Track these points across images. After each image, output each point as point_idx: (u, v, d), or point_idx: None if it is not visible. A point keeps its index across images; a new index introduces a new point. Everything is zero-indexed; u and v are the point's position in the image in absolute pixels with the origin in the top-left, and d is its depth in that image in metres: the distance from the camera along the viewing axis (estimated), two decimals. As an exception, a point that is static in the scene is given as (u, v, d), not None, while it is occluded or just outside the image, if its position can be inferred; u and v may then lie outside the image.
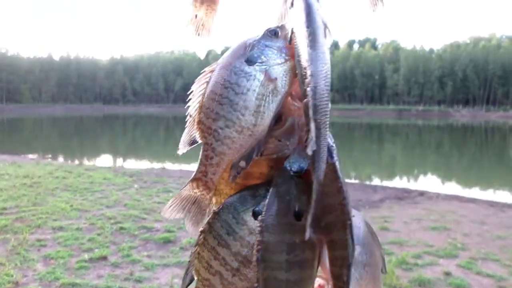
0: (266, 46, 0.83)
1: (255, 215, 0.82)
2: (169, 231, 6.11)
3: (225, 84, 0.83)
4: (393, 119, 69.47)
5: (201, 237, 0.88)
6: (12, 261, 4.82)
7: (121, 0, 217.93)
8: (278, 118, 0.83)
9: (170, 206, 0.90)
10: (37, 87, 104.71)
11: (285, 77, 0.81)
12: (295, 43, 0.78)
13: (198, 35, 0.92)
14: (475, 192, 11.52)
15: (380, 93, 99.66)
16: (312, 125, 0.73)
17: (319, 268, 0.84)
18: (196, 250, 0.87)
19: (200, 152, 0.88)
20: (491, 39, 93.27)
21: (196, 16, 0.92)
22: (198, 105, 0.86)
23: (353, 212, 0.90)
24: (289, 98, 0.83)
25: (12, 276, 4.41)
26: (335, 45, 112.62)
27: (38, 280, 4.40)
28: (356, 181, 12.86)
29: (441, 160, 21.17)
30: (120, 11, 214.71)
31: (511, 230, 6.78)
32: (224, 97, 0.82)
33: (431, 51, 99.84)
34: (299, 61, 0.76)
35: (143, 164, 16.42)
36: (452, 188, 12.36)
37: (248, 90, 0.82)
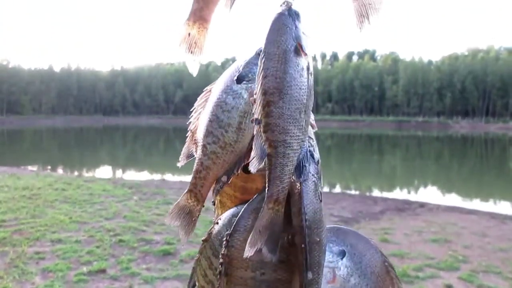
0: (254, 64, 0.86)
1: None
2: (168, 244, 6.08)
3: (216, 102, 0.89)
4: (393, 130, 69.58)
5: (202, 245, 0.94)
6: (11, 274, 4.78)
7: (122, 13, 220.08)
8: None
9: (170, 213, 0.96)
10: (38, 99, 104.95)
11: None
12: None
13: (191, 53, 0.95)
14: (475, 204, 11.49)
15: (380, 105, 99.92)
16: (256, 143, 0.79)
17: None
18: (197, 257, 0.94)
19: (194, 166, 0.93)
20: (489, 51, 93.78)
21: (189, 34, 0.94)
22: (196, 121, 0.92)
23: (361, 239, 0.91)
24: None
25: (10, 289, 4.37)
26: (334, 57, 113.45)
27: (36, 294, 4.36)
28: (357, 193, 12.84)
29: (442, 172, 21.15)
30: (121, 23, 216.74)
31: (513, 242, 6.75)
32: (213, 114, 0.89)
33: (430, 62, 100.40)
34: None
35: (143, 176, 16.39)
36: (453, 199, 12.32)
37: (233, 108, 0.88)
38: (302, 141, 0.81)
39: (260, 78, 0.78)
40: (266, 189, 0.80)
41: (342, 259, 0.92)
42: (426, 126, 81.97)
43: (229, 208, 0.97)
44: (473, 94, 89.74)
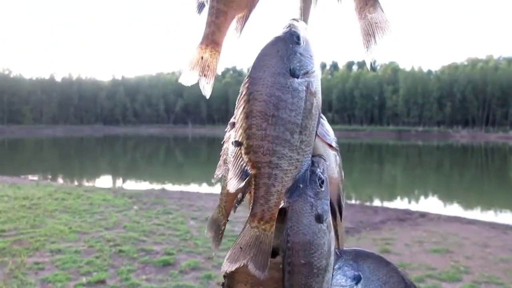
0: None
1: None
2: (168, 254, 6.05)
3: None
4: (393, 140, 69.57)
5: None
6: (10, 284, 4.76)
7: (123, 22, 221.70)
8: None
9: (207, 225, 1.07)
10: (39, 108, 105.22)
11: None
12: None
13: (204, 76, 0.97)
14: (476, 214, 11.45)
15: (380, 114, 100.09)
16: (234, 163, 0.81)
17: None
18: None
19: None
20: (488, 61, 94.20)
21: (202, 58, 0.96)
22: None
23: (384, 264, 0.91)
24: None
25: (8, 300, 4.35)
26: (334, 66, 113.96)
27: (35, 305, 4.33)
28: (357, 202, 12.80)
29: (442, 181, 21.11)
30: (122, 33, 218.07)
31: (514, 252, 6.71)
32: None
33: (429, 72, 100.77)
34: None
35: (143, 185, 16.36)
36: (453, 209, 12.29)
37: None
38: (298, 161, 0.82)
39: (242, 102, 0.80)
40: (251, 208, 0.81)
41: (356, 284, 0.88)
42: (426, 135, 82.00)
43: None
44: (473, 104, 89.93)
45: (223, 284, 0.89)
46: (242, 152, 0.80)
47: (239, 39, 0.98)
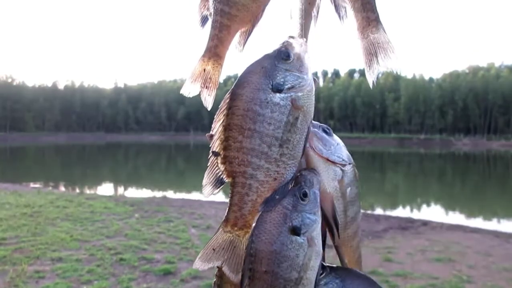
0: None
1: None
2: (169, 262, 6.03)
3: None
4: (395, 148, 69.44)
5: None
6: (10, 293, 4.74)
7: (125, 30, 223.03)
8: None
9: None
10: (41, 116, 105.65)
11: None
12: None
13: (206, 87, 0.98)
14: (479, 222, 11.38)
15: (382, 122, 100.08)
16: (210, 171, 0.88)
17: None
18: None
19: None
20: (490, 69, 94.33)
21: (204, 70, 0.98)
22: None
23: (364, 285, 0.92)
24: None
25: (9, 309, 4.33)
26: (336, 74, 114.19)
27: (35, 314, 4.31)
28: (359, 211, 12.73)
29: (444, 189, 21.02)
30: (125, 41, 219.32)
31: (518, 261, 6.66)
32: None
33: (431, 80, 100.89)
34: None
35: (145, 193, 16.35)
36: (456, 218, 12.22)
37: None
38: (278, 173, 0.85)
39: (221, 116, 0.86)
40: (225, 213, 0.87)
41: None
42: (428, 143, 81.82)
43: None
44: (474, 112, 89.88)
45: (214, 283, 0.94)
46: (219, 162, 0.86)
47: (242, 53, 0.99)
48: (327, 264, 0.92)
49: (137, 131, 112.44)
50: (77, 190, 16.94)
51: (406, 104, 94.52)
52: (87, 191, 16.75)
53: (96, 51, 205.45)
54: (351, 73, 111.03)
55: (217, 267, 0.89)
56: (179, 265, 5.94)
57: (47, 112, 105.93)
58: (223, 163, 0.86)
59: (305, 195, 0.85)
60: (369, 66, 0.90)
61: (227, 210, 0.87)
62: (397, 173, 30.04)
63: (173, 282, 5.32)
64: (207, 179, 0.87)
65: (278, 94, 0.85)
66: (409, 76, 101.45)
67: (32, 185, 17.54)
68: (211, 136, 0.87)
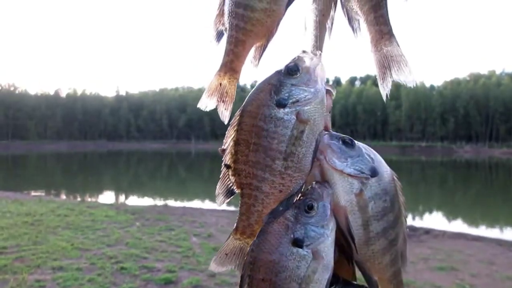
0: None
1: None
2: (170, 271, 6.01)
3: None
4: (397, 155, 69.32)
5: None
6: (10, 302, 4.72)
7: (127, 38, 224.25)
8: None
9: None
10: (43, 124, 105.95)
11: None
12: None
13: (222, 102, 1.00)
14: (481, 230, 11.33)
15: (383, 129, 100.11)
16: (222, 182, 0.93)
17: None
18: None
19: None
20: (491, 76, 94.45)
21: (220, 84, 1.00)
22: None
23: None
24: None
25: (9, 319, 4.31)
26: (337, 82, 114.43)
27: (35, 323, 4.28)
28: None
29: (446, 197, 20.95)
30: (126, 49, 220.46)
31: (521, 270, 6.62)
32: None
33: (432, 87, 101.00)
34: None
35: (146, 201, 16.34)
36: (458, 226, 12.17)
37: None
38: (283, 185, 0.87)
39: (232, 132, 0.91)
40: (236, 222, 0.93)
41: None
42: (429, 151, 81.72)
43: None
44: (476, 119, 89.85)
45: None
46: (230, 173, 0.91)
47: (257, 67, 1.01)
48: (344, 278, 0.92)
49: (138, 139, 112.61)
50: (79, 199, 16.94)
51: (407, 111, 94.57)
52: (88, 199, 16.75)
53: (98, 59, 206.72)
54: (352, 80, 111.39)
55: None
56: (180, 274, 5.91)
57: (49, 120, 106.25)
58: (233, 175, 0.91)
59: (310, 207, 0.85)
60: (382, 79, 0.91)
61: (237, 219, 0.92)
62: (398, 181, 29.89)
63: (174, 291, 5.30)
64: (219, 189, 0.93)
65: (282, 109, 0.87)
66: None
67: (33, 193, 17.55)
68: (223, 150, 0.92)
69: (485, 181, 30.84)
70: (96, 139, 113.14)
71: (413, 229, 10.23)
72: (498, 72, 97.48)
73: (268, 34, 0.98)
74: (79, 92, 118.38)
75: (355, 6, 0.94)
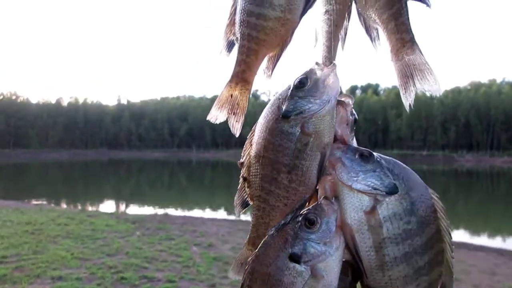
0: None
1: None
2: (170, 281, 5.98)
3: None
4: (398, 164, 69.13)
5: None
6: (9, 313, 4.69)
7: (128, 47, 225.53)
8: None
9: None
10: (44, 132, 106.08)
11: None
12: None
13: (233, 114, 0.98)
14: (483, 240, 11.28)
15: (384, 138, 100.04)
16: (239, 194, 0.98)
17: None
18: None
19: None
20: (491, 85, 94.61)
21: (231, 95, 0.98)
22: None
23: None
24: None
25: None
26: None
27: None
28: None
29: (448, 207, 20.41)
30: (128, 58, 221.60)
31: (523, 280, 6.58)
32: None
33: (433, 96, 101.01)
34: None
35: (146, 210, 16.30)
36: (460, 235, 12.10)
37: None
38: (288, 199, 0.87)
39: (248, 146, 0.94)
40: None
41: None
42: (430, 159, 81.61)
43: None
44: (477, 128, 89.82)
45: None
46: (246, 185, 0.93)
47: (270, 78, 0.99)
48: None
49: (139, 148, 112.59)
50: (79, 207, 16.92)
51: (408, 120, 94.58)
52: (89, 208, 16.72)
53: (100, 68, 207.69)
54: (353, 89, 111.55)
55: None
56: (180, 284, 5.88)
57: (51, 128, 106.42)
58: (248, 187, 0.93)
59: (311, 222, 0.82)
60: (404, 89, 0.87)
61: (249, 230, 0.96)
62: (400, 189, 29.74)
63: (174, 301, 5.26)
64: (236, 200, 0.96)
65: (286, 122, 0.87)
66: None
67: (34, 202, 17.53)
68: (242, 164, 0.94)
69: (487, 191, 30.73)
70: (97, 147, 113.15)
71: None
72: (498, 80, 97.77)
73: (282, 43, 0.95)
74: (80, 101, 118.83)
75: (373, 15, 0.90)
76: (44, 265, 6.56)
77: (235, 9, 0.97)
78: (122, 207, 18.81)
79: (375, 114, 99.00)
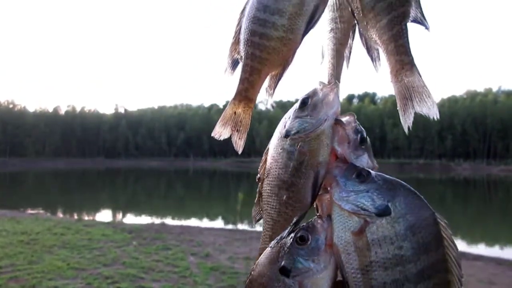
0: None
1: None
2: (167, 292, 5.93)
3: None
4: (395, 173, 69.15)
5: None
6: (3, 324, 4.64)
7: (126, 56, 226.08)
8: None
9: None
10: (41, 141, 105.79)
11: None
12: None
13: (237, 131, 1.01)
14: (481, 249, 11.26)
15: (381, 147, 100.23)
16: (256, 207, 1.04)
17: None
18: None
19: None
20: (487, 94, 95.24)
21: (234, 113, 1.01)
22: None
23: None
24: None
25: None
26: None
27: None
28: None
29: (445, 215, 20.69)
30: (125, 67, 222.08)
31: (521, 290, 6.56)
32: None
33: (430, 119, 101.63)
34: None
35: (143, 220, 16.21)
36: (457, 245, 12.06)
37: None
38: (287, 214, 0.92)
39: (263, 161, 0.99)
40: None
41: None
42: (427, 168, 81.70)
43: None
44: (473, 137, 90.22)
45: None
46: (260, 200, 1.00)
47: (272, 97, 1.01)
48: None
49: (137, 157, 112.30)
50: (75, 217, 16.81)
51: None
52: (85, 218, 16.61)
53: (97, 76, 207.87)
54: (350, 98, 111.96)
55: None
56: (177, 294, 5.83)
57: (48, 137, 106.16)
58: (261, 201, 0.99)
59: (302, 239, 0.84)
60: (403, 110, 0.89)
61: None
62: (397, 198, 29.73)
63: (170, 312, 5.22)
64: (253, 212, 1.02)
65: (287, 140, 0.92)
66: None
67: (30, 211, 17.41)
68: (259, 179, 0.99)
69: (484, 199, 30.76)
70: (94, 156, 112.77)
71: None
72: (494, 89, 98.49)
73: (284, 63, 0.97)
74: (78, 109, 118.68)
75: (374, 35, 0.91)
76: (39, 275, 6.50)
77: (240, 28, 0.99)
78: (119, 216, 18.71)
79: (372, 123, 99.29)
